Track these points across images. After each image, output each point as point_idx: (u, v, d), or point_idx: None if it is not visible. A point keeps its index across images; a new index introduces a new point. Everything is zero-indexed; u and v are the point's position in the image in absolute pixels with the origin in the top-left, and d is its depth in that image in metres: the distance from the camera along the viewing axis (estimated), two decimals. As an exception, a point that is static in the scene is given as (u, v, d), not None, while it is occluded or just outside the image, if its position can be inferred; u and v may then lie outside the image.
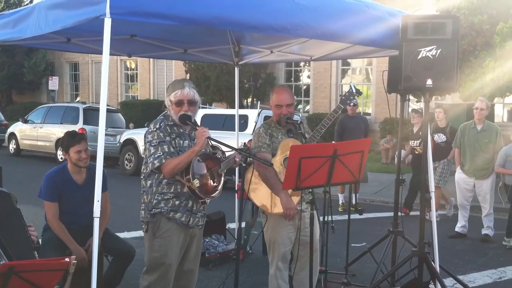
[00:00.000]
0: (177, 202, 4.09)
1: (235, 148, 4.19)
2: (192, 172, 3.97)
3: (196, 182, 3.98)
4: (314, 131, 4.56)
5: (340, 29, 4.38)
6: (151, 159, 4.02)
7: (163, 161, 3.97)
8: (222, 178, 4.25)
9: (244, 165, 4.07)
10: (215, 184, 4.16)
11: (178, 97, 4.09)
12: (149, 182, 4.16)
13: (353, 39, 4.62)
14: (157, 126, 4.11)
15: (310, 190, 4.12)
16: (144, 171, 4.18)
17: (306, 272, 4.45)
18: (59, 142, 5.08)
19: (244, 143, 4.64)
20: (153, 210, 4.09)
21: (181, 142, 4.12)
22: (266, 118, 13.53)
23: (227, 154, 4.31)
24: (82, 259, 4.65)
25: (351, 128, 10.19)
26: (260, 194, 4.48)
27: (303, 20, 4.08)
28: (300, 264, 4.47)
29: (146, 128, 4.35)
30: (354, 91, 4.69)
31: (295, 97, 23.18)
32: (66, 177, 4.87)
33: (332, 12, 4.31)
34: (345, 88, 24.06)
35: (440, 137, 9.65)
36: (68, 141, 4.86)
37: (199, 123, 4.29)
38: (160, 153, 3.99)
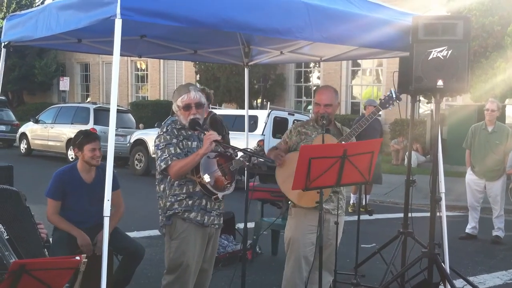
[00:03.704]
0: (190, 202, 4.10)
1: (239, 149, 4.23)
2: (202, 168, 3.99)
3: (207, 177, 4.00)
4: (351, 130, 4.60)
5: (346, 32, 4.38)
6: (158, 162, 4.06)
7: (169, 162, 4.00)
8: (235, 176, 4.26)
9: (248, 164, 4.08)
10: (227, 180, 4.17)
11: (186, 102, 4.12)
12: (162, 186, 4.20)
13: (359, 42, 4.62)
14: (164, 130, 4.15)
15: (335, 189, 4.20)
16: (157, 176, 4.23)
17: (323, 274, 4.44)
18: (72, 140, 5.08)
19: (258, 142, 4.67)
20: (167, 212, 4.12)
21: (189, 143, 4.14)
22: (276, 118, 13.53)
23: (239, 154, 4.34)
24: (87, 245, 4.69)
25: (368, 129, 9.96)
26: (288, 187, 4.42)
27: (308, 23, 4.08)
28: (316, 265, 4.46)
29: (156, 129, 4.39)
30: (393, 96, 4.68)
31: (304, 98, 22.90)
32: (74, 175, 4.90)
33: (338, 15, 4.30)
34: (355, 90, 24.06)
35: None
36: (84, 138, 4.89)
37: (208, 125, 4.31)
38: (166, 155, 4.02)
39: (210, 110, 7.05)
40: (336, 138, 4.52)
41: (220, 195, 4.12)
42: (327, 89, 4.77)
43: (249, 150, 4.20)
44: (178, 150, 4.05)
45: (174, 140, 4.08)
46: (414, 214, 5.90)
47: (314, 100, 4.68)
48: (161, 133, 4.14)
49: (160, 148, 4.07)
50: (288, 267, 4.58)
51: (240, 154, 4.31)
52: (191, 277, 4.16)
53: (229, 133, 7.22)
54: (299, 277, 4.51)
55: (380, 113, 5.05)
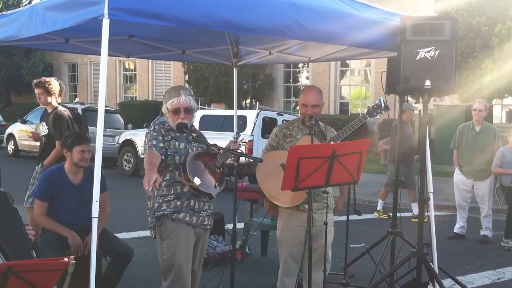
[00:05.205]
0: (178, 203, 4.09)
1: (227, 149, 4.24)
2: (190, 172, 3.96)
3: (197, 180, 3.97)
4: (334, 136, 4.60)
5: (336, 31, 4.37)
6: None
7: (146, 150, 4.02)
8: (223, 171, 4.24)
9: (236, 164, 4.07)
10: (216, 177, 4.16)
11: (175, 105, 4.10)
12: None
13: (348, 41, 4.62)
14: (152, 128, 4.18)
15: (324, 190, 4.23)
16: None
17: (316, 273, 4.45)
18: (61, 141, 5.02)
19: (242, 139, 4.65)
20: (156, 213, 4.10)
21: (177, 144, 4.14)
22: (265, 119, 13.53)
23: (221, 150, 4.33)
24: (78, 244, 4.67)
25: (410, 134, 9.76)
26: (267, 184, 4.52)
27: (298, 22, 4.08)
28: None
29: (145, 129, 4.38)
30: (382, 105, 4.69)
31: (293, 98, 22.89)
32: (62, 177, 4.86)
33: (328, 14, 4.31)
34: (344, 90, 24.12)
35: (44, 128, 6.59)
36: (74, 140, 4.83)
37: (197, 125, 4.30)
38: (147, 148, 4.04)
39: (55, 105, 6.23)
40: (318, 140, 4.50)
41: (214, 193, 4.10)
42: (312, 89, 4.74)
43: (239, 151, 4.19)
44: (161, 144, 4.05)
45: (160, 137, 4.09)
46: (402, 214, 5.93)
47: (301, 101, 4.63)
48: (149, 131, 4.16)
49: (147, 146, 4.09)
50: (280, 268, 4.68)
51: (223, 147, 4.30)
52: (187, 279, 4.12)
53: (86, 128, 6.50)
54: (287, 275, 4.61)
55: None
